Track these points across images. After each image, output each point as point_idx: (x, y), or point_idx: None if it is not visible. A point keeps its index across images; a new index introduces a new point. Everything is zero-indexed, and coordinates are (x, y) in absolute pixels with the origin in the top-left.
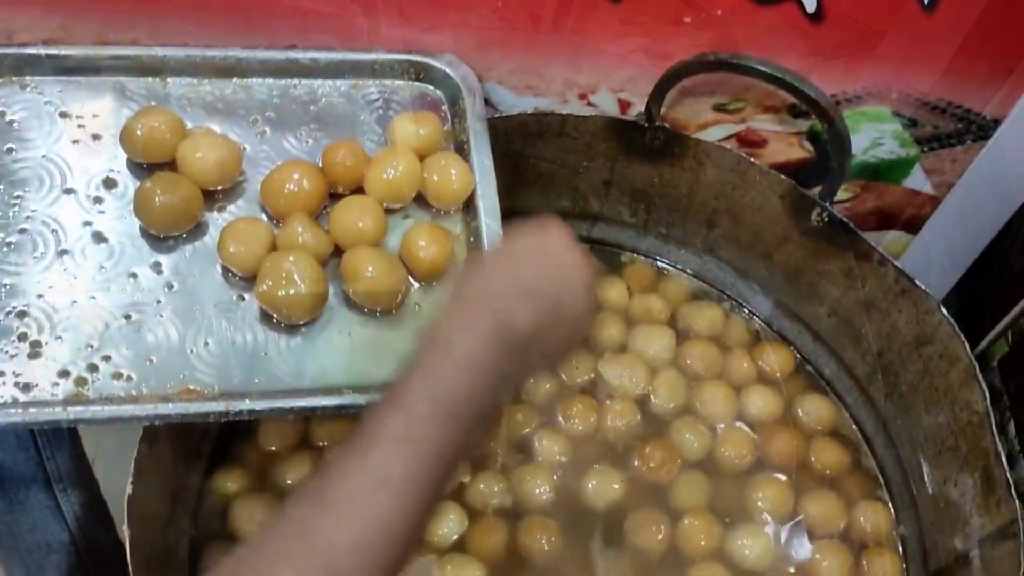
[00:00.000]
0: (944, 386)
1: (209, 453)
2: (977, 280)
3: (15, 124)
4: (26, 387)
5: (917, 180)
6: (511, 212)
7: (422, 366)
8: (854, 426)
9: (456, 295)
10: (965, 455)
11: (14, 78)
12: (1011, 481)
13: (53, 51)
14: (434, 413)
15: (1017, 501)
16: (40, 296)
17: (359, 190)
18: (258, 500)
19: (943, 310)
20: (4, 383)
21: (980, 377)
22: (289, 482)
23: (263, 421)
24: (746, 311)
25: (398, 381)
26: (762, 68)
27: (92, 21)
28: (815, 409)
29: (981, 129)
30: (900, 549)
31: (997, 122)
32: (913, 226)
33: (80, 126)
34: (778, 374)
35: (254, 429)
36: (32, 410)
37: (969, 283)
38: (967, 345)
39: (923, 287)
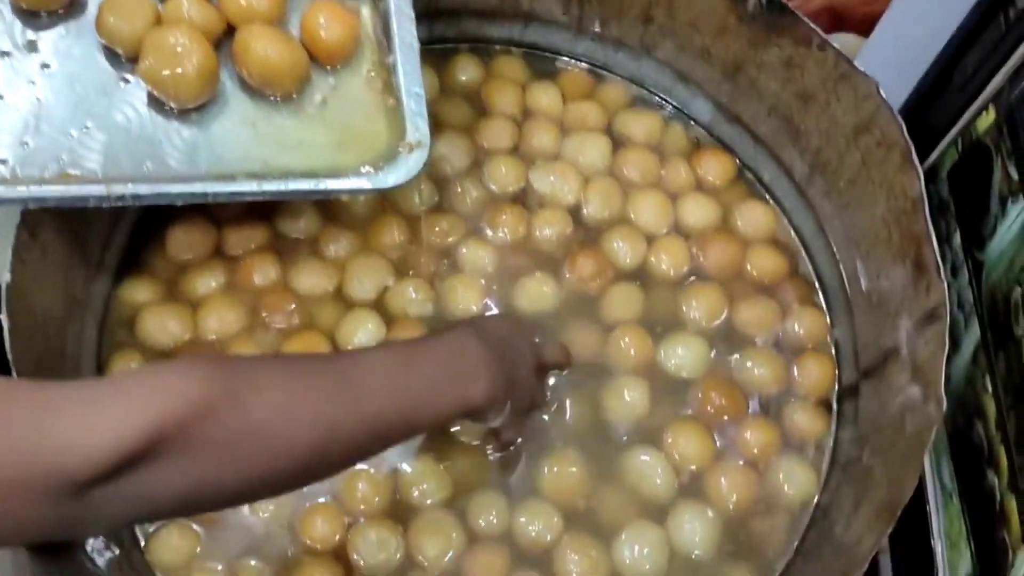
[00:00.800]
0: (880, 176)
1: (116, 262)
2: (929, 90)
3: None
4: None
5: None
6: (435, 11)
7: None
8: (792, 232)
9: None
10: (898, 244)
11: None
12: (939, 263)
13: None
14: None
15: (944, 282)
16: None
17: None
18: (169, 310)
19: (881, 93)
20: None
21: (915, 160)
22: (201, 292)
23: (169, 228)
24: (685, 117)
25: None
26: None
27: None
28: (753, 216)
29: None
30: (833, 353)
31: None
32: (865, 27)
33: None
34: (717, 182)
35: (163, 238)
36: None
37: (921, 93)
38: (904, 128)
39: (862, 69)
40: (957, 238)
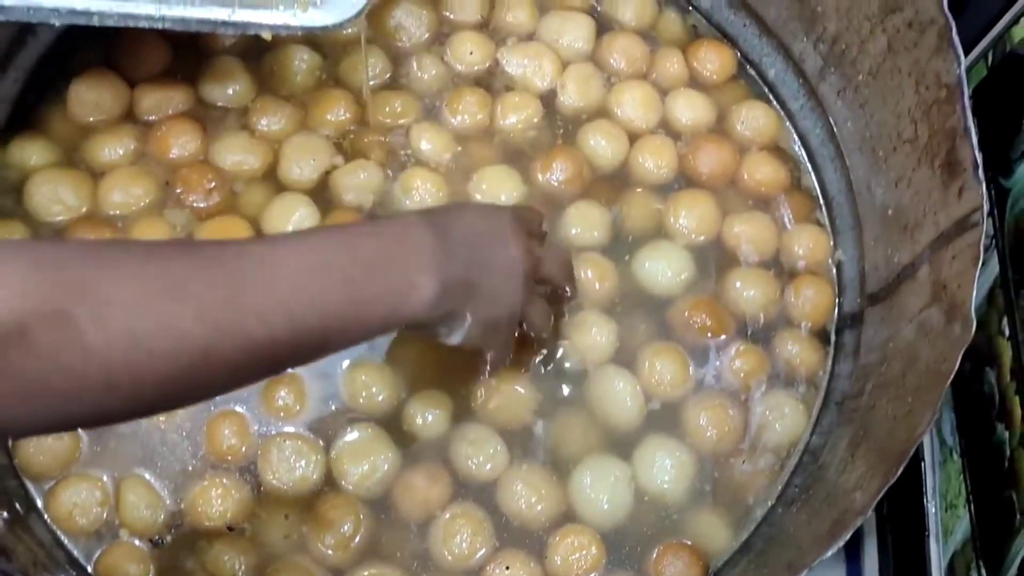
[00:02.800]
0: (910, 63)
1: (5, 117)
2: None
3: None
4: None
5: None
6: None
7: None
8: (796, 139)
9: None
10: (926, 142)
11: None
12: (978, 160)
13: None
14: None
15: (983, 183)
16: None
17: None
18: (65, 177)
19: None
20: None
21: (956, 40)
22: (105, 160)
23: (72, 84)
24: (683, 1)
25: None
26: None
27: None
28: (753, 118)
29: None
30: (835, 276)
31: None
32: None
33: None
34: (715, 77)
35: (64, 95)
36: None
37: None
38: (944, 2)
39: None
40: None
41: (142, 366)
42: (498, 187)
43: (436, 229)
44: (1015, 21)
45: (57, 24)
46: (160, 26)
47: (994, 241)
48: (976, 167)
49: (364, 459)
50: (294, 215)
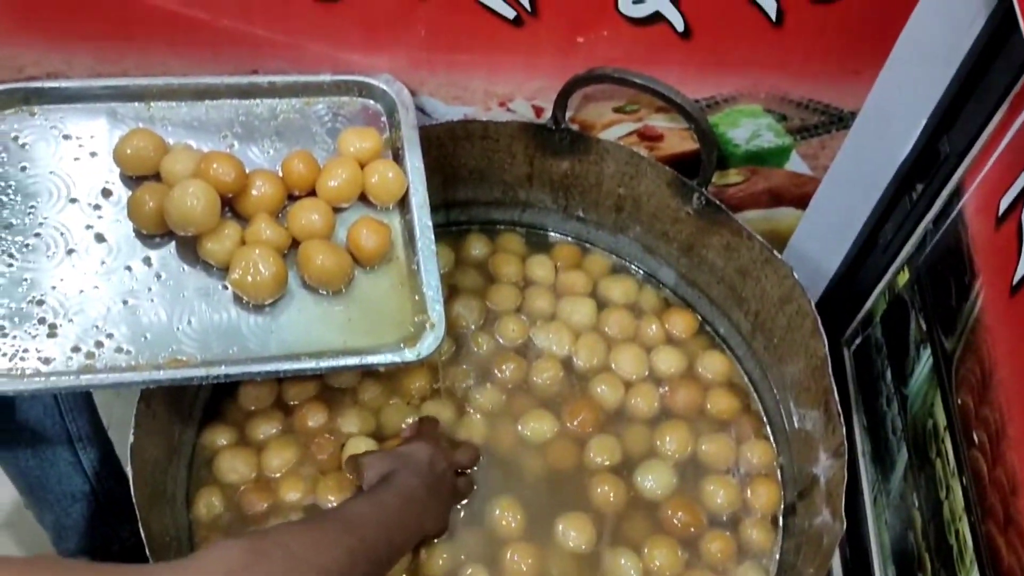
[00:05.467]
0: (800, 338)
1: (201, 415)
2: (863, 248)
3: (26, 146)
4: (46, 360)
5: (796, 164)
6: (452, 202)
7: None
8: (744, 376)
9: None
10: (815, 392)
11: (24, 107)
12: (839, 412)
13: (55, 84)
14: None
15: (843, 427)
16: (54, 287)
17: (312, 193)
18: (239, 452)
19: (795, 274)
20: (29, 358)
21: (821, 329)
22: (262, 436)
23: (241, 384)
24: (655, 281)
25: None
26: (636, 80)
27: (87, 55)
28: (713, 364)
29: (842, 120)
30: (780, 476)
31: (854, 114)
32: (801, 203)
33: (80, 146)
34: (683, 335)
35: (236, 392)
36: (52, 379)
37: (856, 251)
38: (811, 303)
39: (780, 257)
40: (889, 374)
41: None
42: (539, 427)
43: (419, 475)
44: (898, 272)
45: (259, 379)
46: (318, 372)
47: (903, 434)
48: (839, 416)
49: None
50: None
